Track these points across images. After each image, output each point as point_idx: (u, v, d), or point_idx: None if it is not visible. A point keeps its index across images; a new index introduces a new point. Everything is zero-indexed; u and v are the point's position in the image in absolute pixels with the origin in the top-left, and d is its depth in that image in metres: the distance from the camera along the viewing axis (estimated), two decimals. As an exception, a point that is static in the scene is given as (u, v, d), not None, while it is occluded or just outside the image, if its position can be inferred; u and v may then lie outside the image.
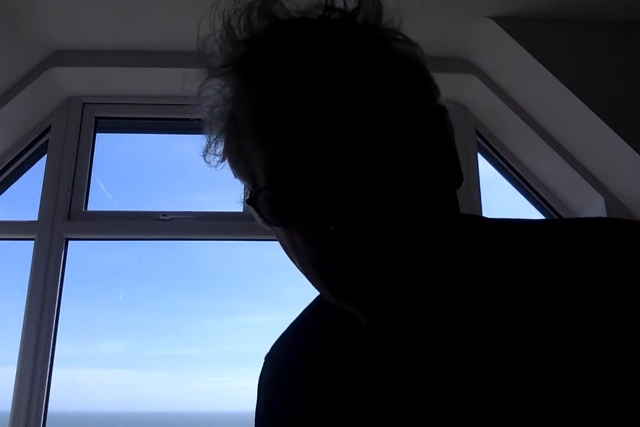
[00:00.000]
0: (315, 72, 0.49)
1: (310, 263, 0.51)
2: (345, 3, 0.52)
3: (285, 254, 0.57)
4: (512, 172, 2.10)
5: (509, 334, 0.49)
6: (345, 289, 0.50)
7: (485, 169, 2.10)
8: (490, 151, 2.10)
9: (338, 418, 0.56)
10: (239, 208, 2.01)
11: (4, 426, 1.81)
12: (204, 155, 0.58)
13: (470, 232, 0.56)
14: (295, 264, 0.55)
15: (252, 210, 0.56)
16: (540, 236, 0.53)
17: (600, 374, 0.45)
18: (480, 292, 0.52)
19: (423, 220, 0.49)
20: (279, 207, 0.51)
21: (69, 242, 1.94)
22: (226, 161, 0.58)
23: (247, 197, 0.54)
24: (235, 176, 0.58)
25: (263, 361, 0.70)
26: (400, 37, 0.54)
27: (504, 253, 0.53)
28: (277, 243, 0.58)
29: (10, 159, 2.00)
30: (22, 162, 2.03)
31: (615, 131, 1.66)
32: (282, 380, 0.64)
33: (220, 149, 0.57)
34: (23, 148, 2.02)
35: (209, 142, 0.57)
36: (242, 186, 0.60)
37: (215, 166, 0.58)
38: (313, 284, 0.54)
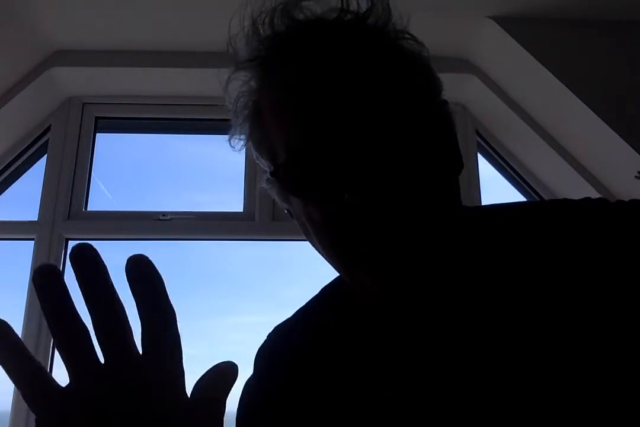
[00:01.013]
0: (331, 65, 0.55)
1: (326, 233, 0.56)
2: (358, 6, 0.59)
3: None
4: (512, 172, 2.10)
5: (513, 314, 0.53)
6: (358, 257, 0.54)
7: (485, 169, 2.10)
8: (490, 151, 2.10)
9: (336, 401, 0.59)
10: (239, 208, 2.01)
11: (4, 426, 1.80)
12: (229, 140, 0.65)
13: (471, 213, 0.62)
14: (311, 240, 0.60)
15: (272, 187, 0.63)
16: (534, 217, 0.59)
17: (602, 354, 0.48)
18: (483, 267, 0.57)
19: (429, 194, 0.54)
20: (297, 180, 0.56)
21: (69, 242, 1.94)
22: (249, 145, 0.64)
23: (269, 172, 0.60)
24: (257, 159, 0.64)
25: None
26: (407, 36, 0.61)
27: (504, 232, 0.59)
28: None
29: (10, 159, 2.00)
30: (22, 162, 2.03)
31: (615, 131, 1.66)
32: (279, 359, 0.67)
33: (244, 134, 0.63)
34: (23, 148, 2.02)
35: (234, 128, 0.64)
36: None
37: (239, 150, 0.65)
38: (328, 257, 0.59)
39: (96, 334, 0.39)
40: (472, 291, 0.56)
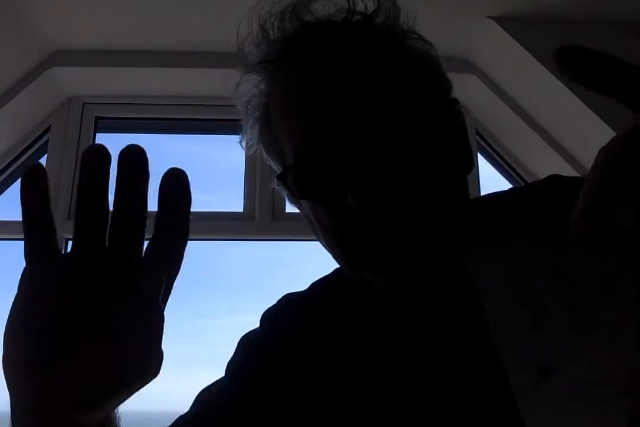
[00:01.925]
0: (339, 66, 0.56)
1: (332, 233, 0.57)
2: (365, 7, 0.60)
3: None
4: (512, 172, 2.10)
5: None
6: (364, 259, 0.56)
7: (485, 169, 2.10)
8: (490, 151, 2.10)
9: (328, 379, 0.60)
10: (239, 208, 2.01)
11: (4, 426, 1.80)
12: (240, 142, 0.66)
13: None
14: (319, 238, 0.61)
15: (281, 188, 0.64)
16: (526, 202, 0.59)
17: None
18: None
19: (438, 194, 0.55)
20: (304, 181, 0.57)
21: (69, 242, 1.94)
22: (260, 147, 0.65)
23: (277, 174, 0.61)
24: (268, 160, 0.65)
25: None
26: (415, 36, 0.61)
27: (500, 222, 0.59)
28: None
29: (10, 159, 2.00)
30: (22, 162, 2.03)
31: (615, 131, 1.65)
32: (285, 327, 0.68)
33: (254, 136, 0.64)
34: (23, 148, 2.02)
35: (245, 130, 0.65)
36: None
37: (249, 150, 0.66)
38: (334, 255, 0.60)
39: (112, 224, 0.41)
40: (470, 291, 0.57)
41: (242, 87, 0.63)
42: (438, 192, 0.55)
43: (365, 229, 0.54)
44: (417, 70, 0.59)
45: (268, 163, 0.65)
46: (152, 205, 0.41)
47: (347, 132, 0.53)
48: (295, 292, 0.73)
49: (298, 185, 0.57)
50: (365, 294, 0.63)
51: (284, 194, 0.65)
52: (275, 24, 0.60)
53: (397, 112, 0.54)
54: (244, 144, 0.66)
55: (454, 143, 0.59)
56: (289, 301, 0.71)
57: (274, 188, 0.65)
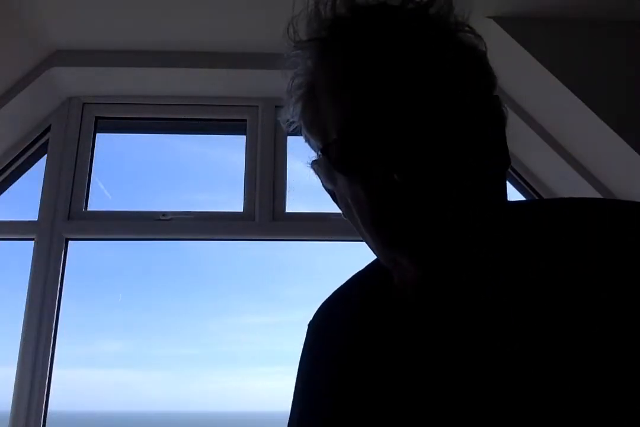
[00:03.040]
0: (389, 49, 0.57)
1: (369, 213, 0.56)
2: None
3: (343, 210, 0.63)
4: (511, 172, 2.10)
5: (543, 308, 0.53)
6: (397, 237, 0.55)
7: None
8: (490, 151, 2.10)
9: (376, 384, 0.60)
10: (239, 208, 2.01)
11: (4, 426, 1.81)
12: (280, 119, 0.67)
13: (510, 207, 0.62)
14: (352, 219, 0.61)
15: (318, 168, 0.64)
16: (569, 216, 0.59)
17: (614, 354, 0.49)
18: (519, 261, 0.57)
19: (476, 182, 0.55)
20: (347, 157, 0.56)
21: (69, 242, 1.94)
22: (301, 124, 0.65)
23: (320, 149, 0.61)
24: (306, 139, 0.65)
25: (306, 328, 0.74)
26: (467, 29, 0.62)
27: (532, 233, 0.59)
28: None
29: (10, 159, 2.00)
30: (22, 162, 2.03)
31: (615, 131, 1.66)
32: (323, 346, 0.69)
33: (296, 113, 0.64)
34: (23, 148, 2.02)
35: (287, 107, 0.65)
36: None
37: (289, 127, 0.66)
38: (369, 237, 0.59)
39: None
40: (502, 282, 0.56)
41: (289, 63, 0.63)
42: (480, 181, 0.56)
43: (408, 208, 0.53)
44: (463, 62, 0.59)
45: (306, 143, 0.65)
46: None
47: (394, 112, 0.54)
48: (322, 305, 0.73)
49: (341, 159, 0.57)
50: (394, 297, 0.63)
51: (319, 174, 0.65)
52: (329, 3, 0.60)
53: (442, 97, 0.55)
54: (284, 121, 0.66)
55: (494, 137, 0.60)
56: (331, 313, 0.72)
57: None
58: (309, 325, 0.74)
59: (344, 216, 0.64)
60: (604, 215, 0.58)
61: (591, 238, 0.56)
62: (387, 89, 0.55)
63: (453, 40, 0.61)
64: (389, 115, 0.54)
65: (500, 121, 0.63)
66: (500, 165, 0.60)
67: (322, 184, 0.66)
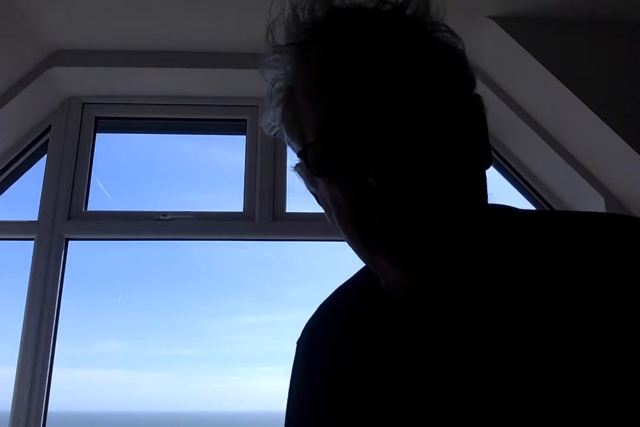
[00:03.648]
0: (365, 49, 0.57)
1: (347, 215, 0.57)
2: None
3: (326, 215, 0.64)
4: (511, 172, 2.10)
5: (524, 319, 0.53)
6: (378, 241, 0.55)
7: (485, 169, 2.09)
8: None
9: (371, 389, 0.59)
10: (239, 208, 2.01)
11: (4, 426, 1.81)
12: (262, 123, 0.67)
13: (498, 218, 0.62)
14: (334, 222, 0.61)
15: (300, 171, 0.65)
16: (565, 228, 0.58)
17: (603, 366, 0.48)
18: (501, 265, 0.57)
19: (454, 184, 0.55)
20: (323, 160, 0.57)
21: (69, 242, 1.94)
22: (282, 128, 0.65)
23: (297, 153, 0.62)
24: (288, 143, 0.65)
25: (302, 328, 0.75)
26: (444, 28, 0.63)
27: (526, 239, 0.58)
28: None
29: (10, 159, 2.00)
30: (22, 162, 2.03)
31: (615, 131, 1.66)
32: (313, 363, 0.69)
33: (277, 117, 0.65)
34: (23, 148, 2.02)
35: (268, 111, 0.66)
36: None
37: (271, 131, 0.67)
38: (349, 239, 0.59)
39: None
40: (484, 285, 0.56)
41: (268, 69, 0.63)
42: (458, 181, 0.55)
43: (384, 210, 0.53)
44: (442, 61, 0.60)
45: (288, 146, 0.65)
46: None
47: (371, 114, 0.54)
48: (317, 310, 0.73)
49: (318, 163, 0.57)
50: (382, 304, 0.63)
51: (301, 177, 0.65)
52: (307, 9, 0.61)
53: (420, 98, 0.55)
54: (266, 125, 0.66)
55: (474, 135, 0.60)
56: (320, 328, 0.72)
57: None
58: (298, 343, 0.74)
59: (327, 218, 0.64)
60: (598, 227, 0.57)
61: (576, 240, 0.55)
62: (364, 91, 0.54)
63: (430, 40, 0.61)
64: (365, 117, 0.54)
65: (480, 120, 0.61)
66: (480, 165, 0.60)
67: (307, 187, 0.67)
